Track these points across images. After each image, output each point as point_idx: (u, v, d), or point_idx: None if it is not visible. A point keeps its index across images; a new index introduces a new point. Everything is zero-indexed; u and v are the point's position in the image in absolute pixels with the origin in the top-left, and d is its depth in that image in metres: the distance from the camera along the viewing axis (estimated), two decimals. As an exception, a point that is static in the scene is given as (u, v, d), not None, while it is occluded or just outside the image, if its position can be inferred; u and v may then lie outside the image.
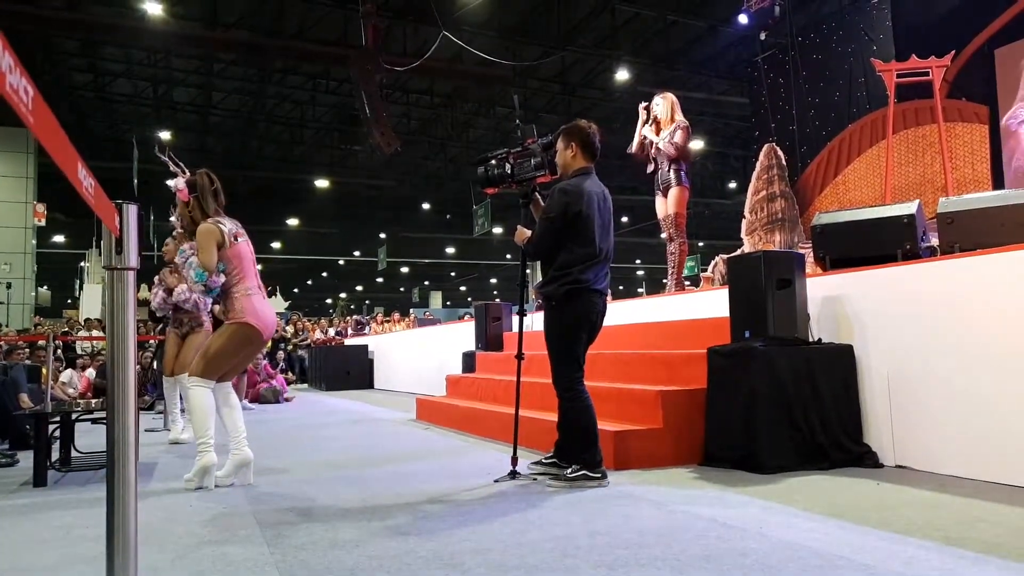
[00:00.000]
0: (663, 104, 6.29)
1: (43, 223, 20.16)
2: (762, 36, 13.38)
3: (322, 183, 24.22)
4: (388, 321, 21.31)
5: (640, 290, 37.27)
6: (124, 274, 1.67)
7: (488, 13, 14.73)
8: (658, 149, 6.24)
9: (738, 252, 9.92)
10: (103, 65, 17.69)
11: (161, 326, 7.22)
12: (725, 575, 2.15)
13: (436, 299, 41.17)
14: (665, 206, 6.29)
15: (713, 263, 10.48)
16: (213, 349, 3.84)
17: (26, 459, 4.45)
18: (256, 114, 20.41)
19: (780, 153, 13.05)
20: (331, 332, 18.48)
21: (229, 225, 3.94)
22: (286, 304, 29.37)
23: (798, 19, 13.61)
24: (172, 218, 4.81)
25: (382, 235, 29.96)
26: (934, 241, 4.77)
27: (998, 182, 10.06)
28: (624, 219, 27.68)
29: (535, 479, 3.68)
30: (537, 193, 3.97)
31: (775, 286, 4.08)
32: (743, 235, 13.22)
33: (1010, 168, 10.10)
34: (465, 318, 12.35)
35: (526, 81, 18.31)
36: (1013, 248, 3.41)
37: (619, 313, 6.20)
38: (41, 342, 9.19)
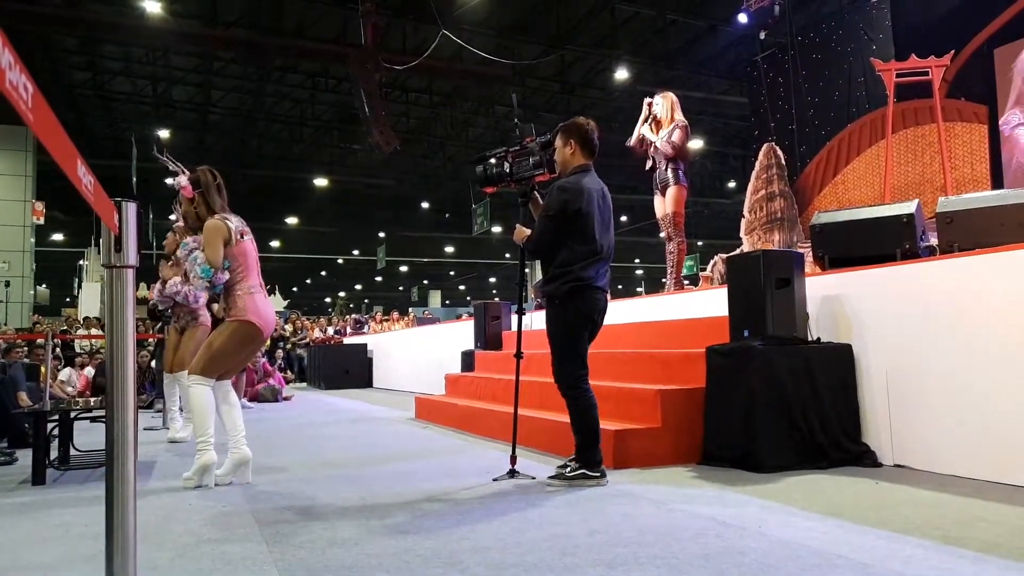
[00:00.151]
0: (663, 103, 6.30)
1: (42, 221, 20.14)
2: (761, 35, 13.38)
3: (321, 182, 24.22)
4: (387, 320, 21.33)
5: (639, 289, 37.26)
6: (123, 272, 1.67)
7: (487, 12, 14.73)
8: (656, 148, 6.24)
9: (737, 251, 9.90)
10: (102, 63, 17.67)
11: (160, 324, 7.21)
12: (724, 574, 2.15)
13: (435, 298, 41.17)
14: (663, 205, 6.29)
15: (712, 262, 10.48)
16: (214, 347, 3.83)
17: (25, 457, 4.44)
18: (255, 112, 20.40)
19: (779, 152, 13.05)
20: (330, 331, 18.48)
21: (236, 222, 3.93)
22: (285, 303, 29.33)
23: (798, 19, 13.61)
24: (173, 216, 4.81)
25: (381, 234, 29.95)
26: (933, 241, 4.78)
27: (997, 182, 10.06)
28: (623, 218, 27.68)
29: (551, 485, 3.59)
30: (536, 192, 3.96)
31: (774, 285, 4.08)
32: (742, 234, 13.22)
33: (1009, 168, 10.11)
34: (463, 317, 12.35)
35: (525, 80, 18.30)
36: (1012, 248, 3.41)
37: (618, 312, 6.20)
38: (40, 340, 9.18)
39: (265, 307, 3.92)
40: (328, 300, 47.06)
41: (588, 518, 2.86)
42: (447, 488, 3.58)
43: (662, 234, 6.42)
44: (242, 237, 3.91)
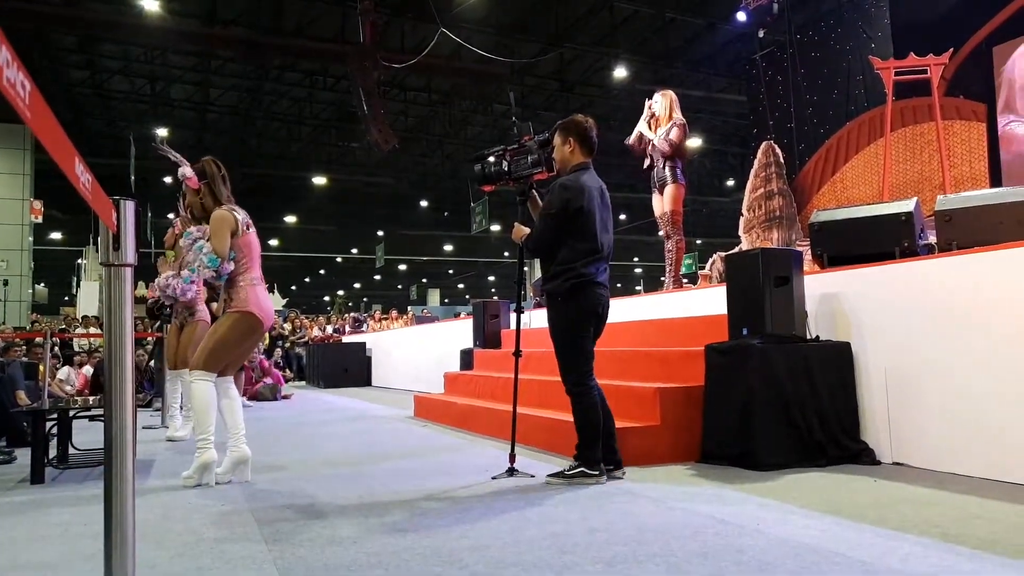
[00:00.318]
0: (662, 101, 6.30)
1: (40, 220, 20.10)
2: (760, 34, 13.38)
3: (320, 180, 24.19)
4: (386, 318, 21.32)
5: (638, 288, 37.27)
6: (121, 270, 1.67)
7: (486, 10, 14.72)
8: (654, 146, 6.25)
9: (736, 250, 9.90)
10: (100, 62, 17.64)
11: (158, 324, 7.20)
12: (722, 572, 2.15)
13: (434, 296, 41.15)
14: (661, 204, 6.30)
15: (711, 261, 10.48)
16: (215, 339, 3.82)
17: (23, 456, 4.44)
18: (254, 111, 20.38)
19: (778, 151, 13.03)
20: (329, 329, 18.49)
21: (242, 214, 3.94)
22: (284, 301, 29.31)
23: (796, 17, 13.60)
24: (176, 210, 4.79)
25: (380, 232, 29.92)
26: (932, 239, 4.77)
27: (996, 180, 10.06)
28: (622, 217, 27.66)
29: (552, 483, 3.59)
30: (534, 190, 3.96)
31: (773, 283, 4.08)
32: (741, 233, 13.21)
33: (1008, 166, 10.11)
34: (462, 315, 12.35)
35: (524, 78, 18.30)
36: (1011, 246, 3.42)
37: (617, 311, 6.16)
38: (38, 339, 9.16)
39: (266, 300, 3.95)
40: (327, 299, 47.01)
41: (587, 516, 2.87)
42: (446, 486, 3.58)
43: (660, 232, 6.42)
44: (248, 228, 3.94)
